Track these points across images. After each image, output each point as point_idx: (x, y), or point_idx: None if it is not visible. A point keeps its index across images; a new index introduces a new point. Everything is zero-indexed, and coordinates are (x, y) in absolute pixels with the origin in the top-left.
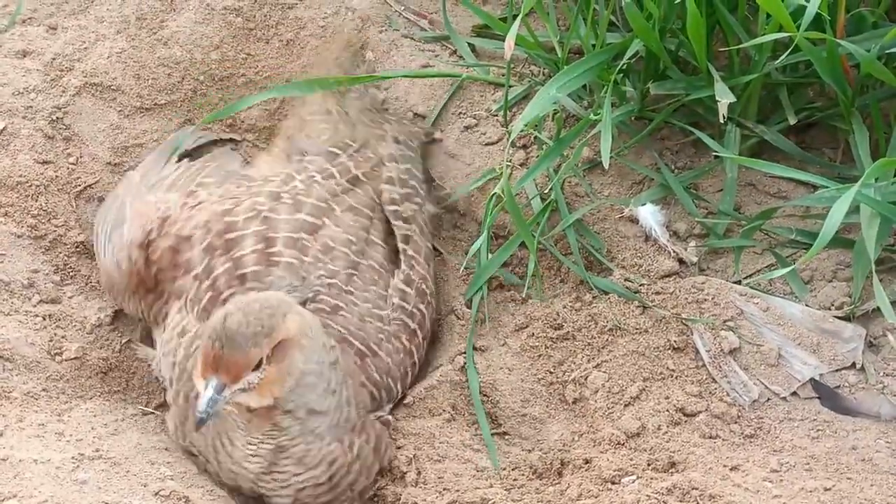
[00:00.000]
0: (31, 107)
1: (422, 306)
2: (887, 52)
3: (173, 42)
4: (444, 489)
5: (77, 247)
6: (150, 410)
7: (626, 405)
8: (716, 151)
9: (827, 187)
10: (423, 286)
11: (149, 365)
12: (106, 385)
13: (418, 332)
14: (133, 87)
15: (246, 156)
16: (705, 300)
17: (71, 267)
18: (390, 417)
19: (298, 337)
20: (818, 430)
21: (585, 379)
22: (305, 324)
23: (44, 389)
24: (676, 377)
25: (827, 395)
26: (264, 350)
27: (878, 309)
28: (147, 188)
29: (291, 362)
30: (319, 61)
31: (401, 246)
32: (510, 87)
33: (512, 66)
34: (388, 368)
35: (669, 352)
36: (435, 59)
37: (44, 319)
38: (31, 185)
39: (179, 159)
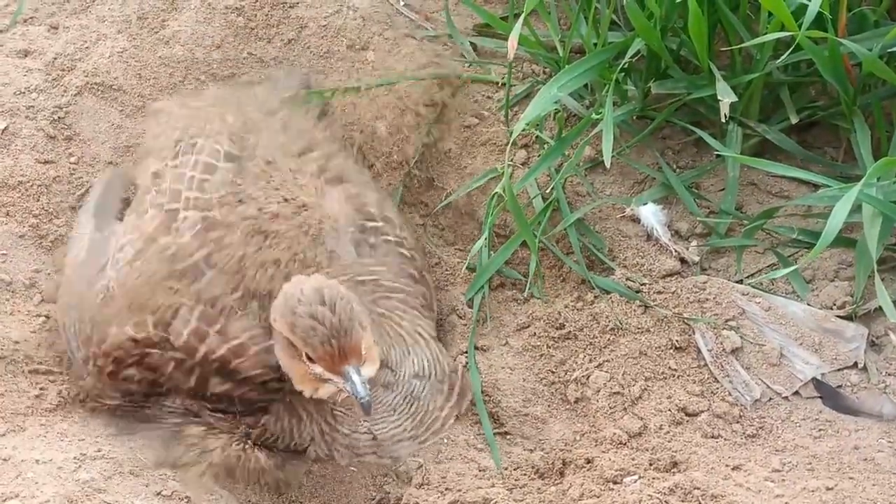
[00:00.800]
0: (32, 106)
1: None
2: (889, 50)
3: (175, 41)
4: (447, 489)
5: None
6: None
7: (627, 405)
8: (717, 151)
9: (829, 186)
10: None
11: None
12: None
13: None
14: (135, 87)
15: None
16: (707, 300)
17: None
18: None
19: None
20: (820, 429)
21: (587, 378)
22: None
23: (45, 389)
24: (678, 377)
25: (829, 395)
26: (359, 325)
27: (881, 308)
28: (97, 272)
29: (368, 329)
30: None
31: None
32: (511, 86)
33: (513, 65)
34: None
35: (671, 351)
36: (437, 58)
37: (46, 319)
38: (32, 185)
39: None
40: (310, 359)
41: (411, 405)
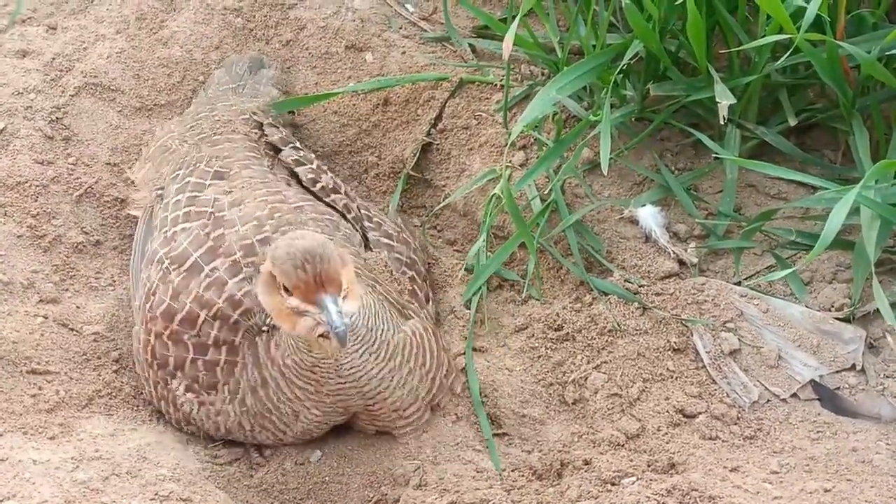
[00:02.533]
0: (30, 107)
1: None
2: (887, 53)
3: (173, 42)
4: (444, 490)
5: (76, 247)
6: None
7: (626, 406)
8: (716, 153)
9: (827, 189)
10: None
11: None
12: (105, 385)
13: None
14: (133, 88)
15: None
16: (705, 301)
17: (70, 267)
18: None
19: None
20: (818, 431)
21: (585, 380)
22: None
23: (42, 389)
24: (676, 378)
25: (827, 397)
26: (335, 250)
27: (879, 310)
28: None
29: (350, 265)
30: None
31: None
32: (510, 87)
33: (512, 67)
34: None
35: (669, 353)
36: (435, 60)
37: (44, 319)
38: (30, 185)
39: None
40: (287, 291)
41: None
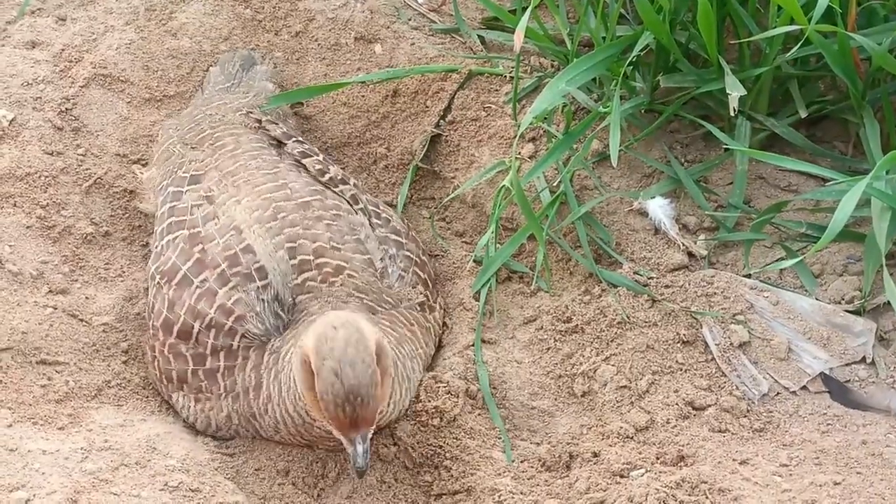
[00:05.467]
0: (39, 98)
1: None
2: None
3: (182, 33)
4: (454, 479)
5: (86, 238)
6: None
7: (635, 399)
8: (726, 144)
9: (837, 180)
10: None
11: None
12: (115, 375)
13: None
14: (142, 79)
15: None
16: (715, 294)
17: (80, 258)
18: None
19: (382, 343)
20: (828, 424)
21: (594, 372)
22: (377, 330)
23: (52, 380)
24: (685, 371)
25: (837, 390)
26: (380, 383)
27: (889, 303)
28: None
29: (389, 366)
30: None
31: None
32: (519, 79)
33: (521, 58)
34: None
35: (679, 345)
36: (445, 52)
37: (53, 310)
38: (39, 176)
39: None
40: None
41: None
